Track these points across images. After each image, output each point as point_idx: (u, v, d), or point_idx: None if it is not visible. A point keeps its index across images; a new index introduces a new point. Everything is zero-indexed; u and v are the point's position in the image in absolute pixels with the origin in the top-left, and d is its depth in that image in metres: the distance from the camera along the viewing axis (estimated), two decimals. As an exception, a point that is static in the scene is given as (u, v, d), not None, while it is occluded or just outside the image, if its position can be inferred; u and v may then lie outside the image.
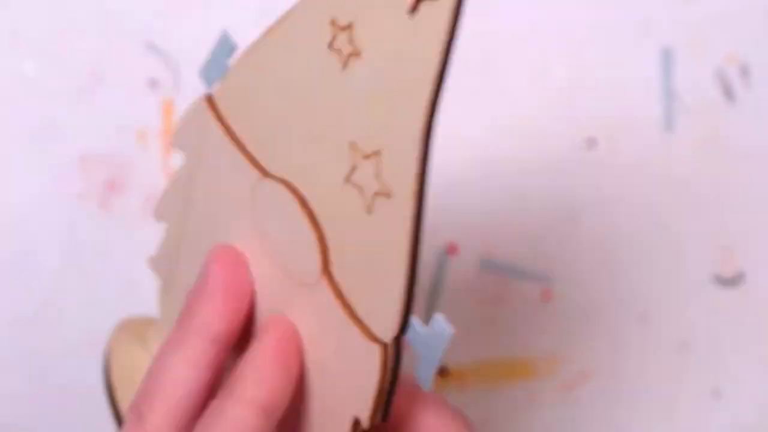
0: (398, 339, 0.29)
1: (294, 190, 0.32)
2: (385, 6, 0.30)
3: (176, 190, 0.34)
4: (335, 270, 0.31)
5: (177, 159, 0.34)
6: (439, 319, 0.29)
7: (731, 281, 0.43)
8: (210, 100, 0.33)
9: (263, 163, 0.32)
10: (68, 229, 0.42)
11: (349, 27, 0.31)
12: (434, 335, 0.29)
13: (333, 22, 0.31)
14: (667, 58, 0.44)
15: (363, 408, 0.30)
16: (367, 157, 0.31)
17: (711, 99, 0.44)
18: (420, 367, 0.29)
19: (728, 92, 0.44)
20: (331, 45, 0.31)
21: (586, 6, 0.44)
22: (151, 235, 0.41)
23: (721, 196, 0.43)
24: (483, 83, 0.44)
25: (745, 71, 0.44)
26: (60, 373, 0.41)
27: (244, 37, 0.45)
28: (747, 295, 0.43)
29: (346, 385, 0.31)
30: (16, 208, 0.42)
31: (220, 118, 0.33)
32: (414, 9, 0.29)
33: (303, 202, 0.32)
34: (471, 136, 0.43)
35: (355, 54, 0.31)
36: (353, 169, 0.31)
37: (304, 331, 0.32)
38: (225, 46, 0.33)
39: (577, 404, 0.41)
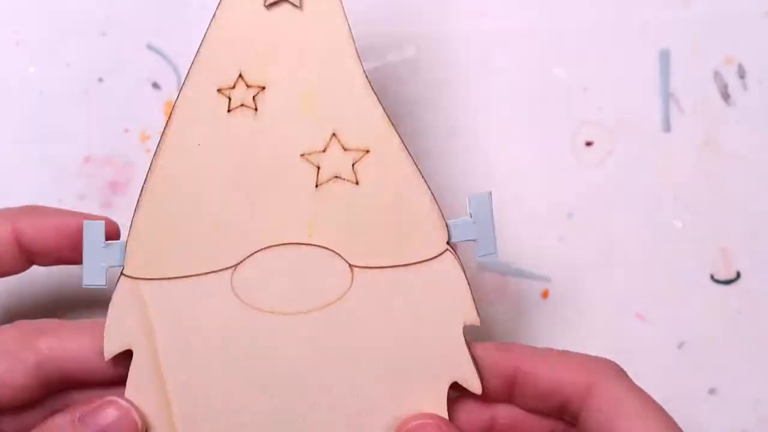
0: (449, 242, 0.33)
1: (278, 245, 0.33)
2: (260, 27, 0.33)
3: (140, 381, 0.33)
4: (357, 258, 0.33)
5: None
6: (470, 198, 0.33)
7: (728, 281, 0.43)
8: (129, 277, 0.33)
9: (224, 263, 0.33)
10: (70, 229, 0.42)
11: (238, 79, 0.33)
12: (477, 208, 0.33)
13: (220, 90, 0.33)
14: (665, 59, 0.44)
15: (467, 309, 0.33)
16: (323, 150, 0.32)
17: (708, 101, 0.44)
18: (480, 246, 0.33)
19: (725, 94, 0.44)
20: (230, 109, 0.33)
21: (585, 7, 0.44)
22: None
23: (718, 197, 0.43)
24: (482, 83, 0.44)
25: (742, 73, 0.44)
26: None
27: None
28: (744, 295, 0.43)
29: (437, 312, 0.33)
30: (18, 208, 0.42)
31: (152, 279, 0.33)
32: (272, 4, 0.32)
33: (294, 244, 0.33)
34: (469, 136, 0.43)
35: (260, 89, 0.33)
36: (318, 170, 0.32)
37: (372, 331, 0.33)
38: (91, 231, 0.33)
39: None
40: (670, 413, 0.42)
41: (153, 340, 0.33)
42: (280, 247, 0.33)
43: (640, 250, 0.43)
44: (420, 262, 0.33)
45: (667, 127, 0.44)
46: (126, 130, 0.42)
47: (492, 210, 0.33)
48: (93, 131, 0.42)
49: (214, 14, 0.33)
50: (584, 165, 0.43)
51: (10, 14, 0.43)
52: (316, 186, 0.33)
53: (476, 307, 0.33)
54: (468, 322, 0.33)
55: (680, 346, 0.43)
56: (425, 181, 0.33)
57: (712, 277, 0.43)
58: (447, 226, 0.33)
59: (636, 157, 0.43)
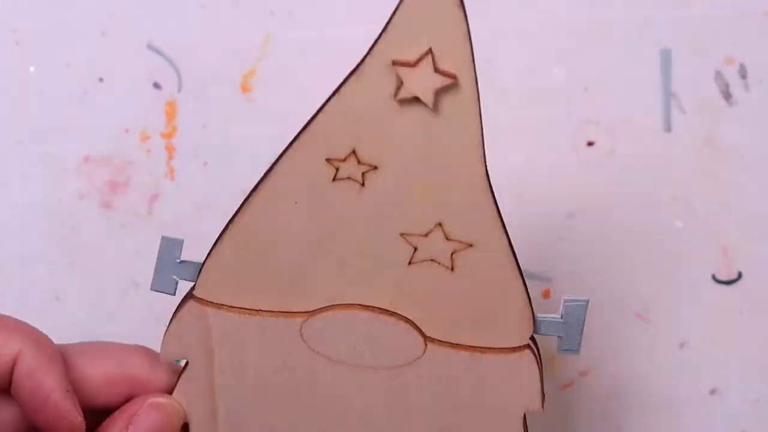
0: (532, 337, 0.32)
1: (355, 306, 0.32)
2: (386, 115, 0.31)
3: (191, 389, 0.34)
4: (434, 331, 0.33)
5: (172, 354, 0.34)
6: (566, 302, 0.33)
7: (729, 281, 0.43)
8: (199, 299, 0.33)
9: (298, 308, 0.33)
10: (70, 228, 0.42)
11: (351, 154, 0.32)
12: (570, 313, 0.33)
13: (329, 160, 0.32)
14: (666, 59, 0.44)
15: (533, 400, 0.33)
16: (425, 235, 0.32)
17: (709, 100, 0.44)
18: (564, 342, 0.33)
19: (726, 93, 0.44)
20: (336, 178, 0.32)
21: (586, 6, 0.44)
22: (153, 234, 0.42)
23: (719, 197, 0.43)
24: (482, 83, 0.44)
25: (743, 73, 0.44)
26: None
27: (246, 38, 0.45)
28: (745, 295, 0.43)
29: (505, 395, 0.33)
30: (19, 207, 0.42)
31: (221, 306, 0.33)
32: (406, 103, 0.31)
33: (373, 309, 0.32)
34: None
35: (371, 168, 0.32)
36: (414, 251, 0.32)
37: (434, 398, 0.33)
38: (170, 247, 0.33)
39: (576, 403, 0.42)
40: (672, 413, 0.42)
41: (211, 361, 0.33)
42: (359, 308, 0.32)
43: (641, 250, 0.43)
44: (498, 349, 0.32)
45: (668, 127, 0.44)
46: (126, 130, 0.43)
47: (585, 317, 0.33)
48: (93, 131, 0.43)
49: (341, 86, 0.31)
50: (585, 165, 0.43)
51: (10, 14, 0.43)
52: (409, 263, 0.32)
53: (543, 399, 0.33)
54: (530, 410, 0.33)
55: (681, 346, 0.43)
56: (523, 279, 0.32)
57: (713, 277, 0.43)
58: (534, 319, 0.32)
59: (637, 157, 0.43)
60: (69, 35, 0.43)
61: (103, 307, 0.41)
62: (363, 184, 0.32)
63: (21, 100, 0.43)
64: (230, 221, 0.33)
